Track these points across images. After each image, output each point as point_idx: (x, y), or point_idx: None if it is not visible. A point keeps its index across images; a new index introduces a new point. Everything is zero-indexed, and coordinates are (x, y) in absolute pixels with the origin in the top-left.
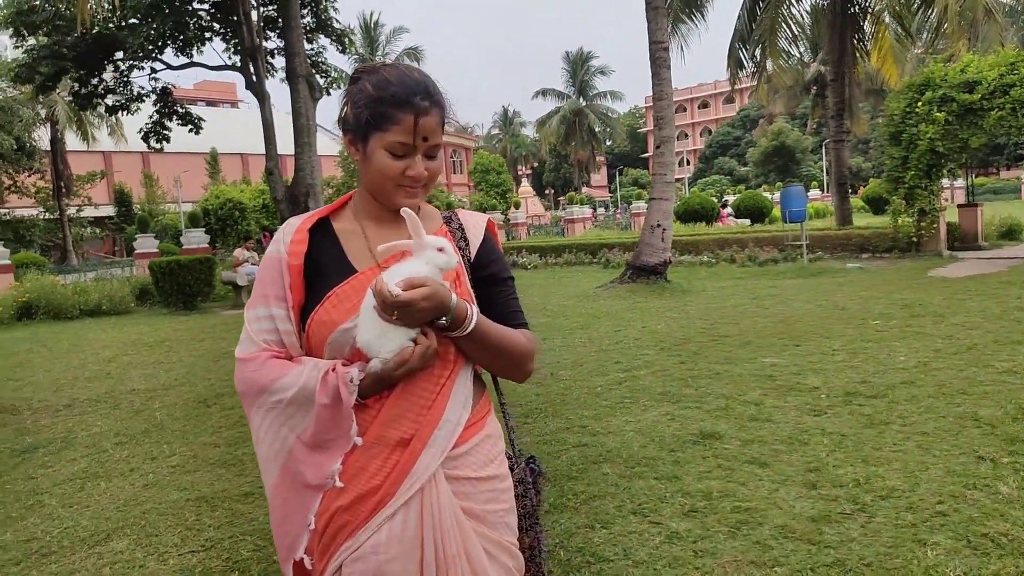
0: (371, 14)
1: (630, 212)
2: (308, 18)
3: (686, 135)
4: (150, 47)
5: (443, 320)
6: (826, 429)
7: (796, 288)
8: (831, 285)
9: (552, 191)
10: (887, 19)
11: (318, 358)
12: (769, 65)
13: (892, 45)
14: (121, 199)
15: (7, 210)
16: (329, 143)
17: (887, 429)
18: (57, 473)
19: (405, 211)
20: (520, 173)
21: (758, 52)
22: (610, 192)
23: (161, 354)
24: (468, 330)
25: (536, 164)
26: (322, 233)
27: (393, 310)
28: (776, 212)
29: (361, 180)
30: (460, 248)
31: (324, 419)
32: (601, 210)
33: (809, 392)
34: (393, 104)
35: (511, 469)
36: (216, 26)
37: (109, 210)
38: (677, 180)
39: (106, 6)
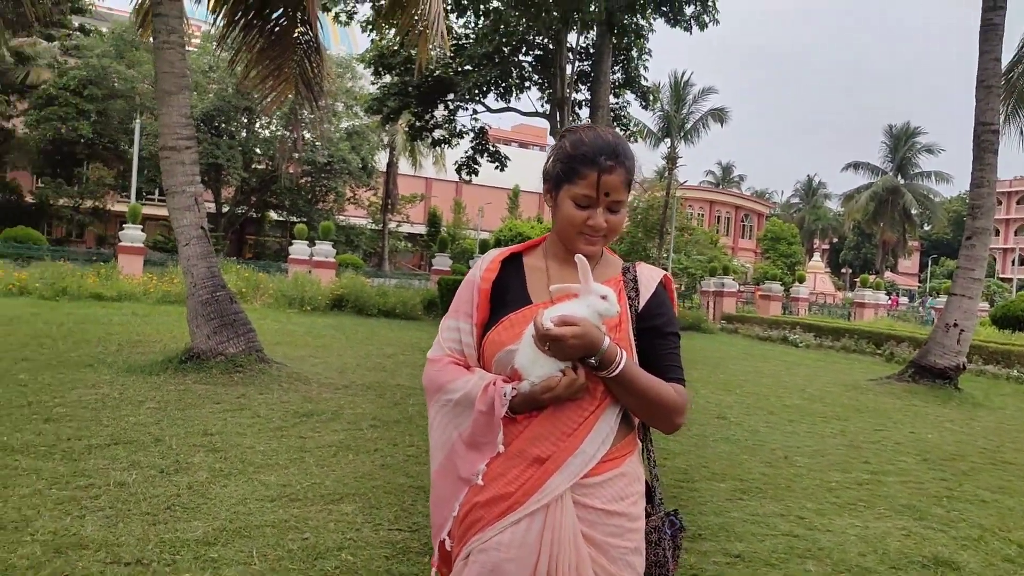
0: (682, 73)
1: (932, 307)
2: (618, 74)
3: None
4: (476, 91)
5: (592, 360)
6: None
7: None
8: None
9: (849, 271)
10: None
11: (488, 371)
12: None
13: None
14: (433, 220)
15: (344, 217)
16: None
17: None
18: (321, 438)
19: (579, 258)
20: (815, 247)
21: None
22: (919, 282)
23: None
24: (615, 372)
25: (835, 240)
26: (513, 265)
27: (545, 342)
28: None
29: (553, 225)
30: (630, 298)
31: (479, 423)
32: (904, 299)
33: None
34: (582, 161)
35: (647, 516)
36: (535, 76)
37: (422, 228)
38: (1006, 280)
39: (447, 54)
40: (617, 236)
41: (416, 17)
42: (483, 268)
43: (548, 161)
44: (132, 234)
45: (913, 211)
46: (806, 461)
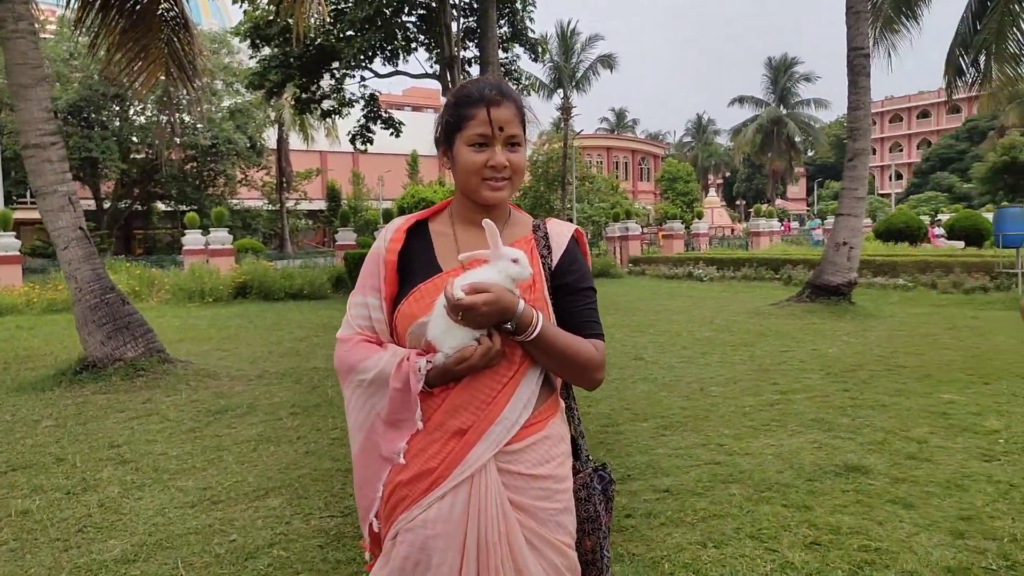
0: (568, 22)
1: (823, 227)
2: (505, 28)
3: (900, 147)
4: (362, 57)
5: (508, 325)
6: (993, 477)
7: (1001, 321)
8: None
9: (743, 202)
10: None
11: (401, 346)
12: (994, 72)
13: None
14: (332, 195)
15: (238, 201)
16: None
17: None
18: (238, 434)
19: (486, 223)
20: (710, 183)
21: (982, 58)
22: (808, 206)
23: None
24: (532, 336)
25: (728, 174)
26: (419, 233)
27: (457, 311)
28: None
29: (456, 185)
30: (542, 256)
31: (396, 401)
32: (796, 224)
33: (985, 435)
34: (467, 103)
35: (575, 473)
36: (421, 37)
37: (322, 204)
38: (885, 195)
39: (325, 20)
40: (521, 179)
41: None
42: (387, 239)
43: (437, 124)
44: (5, 242)
45: (797, 139)
46: (720, 390)
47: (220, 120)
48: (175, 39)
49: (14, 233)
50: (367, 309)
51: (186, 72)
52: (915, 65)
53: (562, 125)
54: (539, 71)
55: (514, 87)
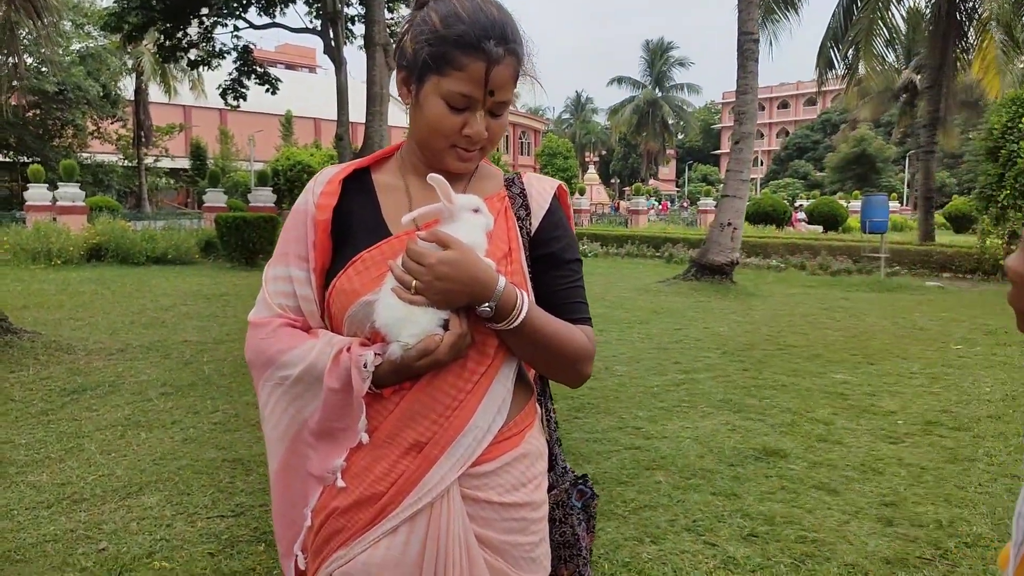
0: None
1: (697, 208)
2: None
3: (761, 135)
4: (235, 4)
5: (486, 307)
6: (904, 459)
7: (871, 302)
8: (909, 302)
9: (618, 181)
10: (994, 28)
11: (337, 332)
12: (861, 68)
13: (997, 56)
14: (197, 153)
15: (88, 154)
16: (401, 114)
17: (972, 467)
18: (101, 418)
19: (432, 177)
20: (588, 160)
21: (851, 53)
22: (677, 186)
23: (218, 308)
24: (516, 322)
25: (604, 152)
26: (358, 186)
27: (411, 282)
28: (851, 222)
29: (411, 128)
30: (519, 218)
31: (332, 405)
32: (669, 203)
33: (884, 416)
34: (460, 45)
35: (550, 490)
36: None
37: (185, 163)
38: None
39: None
40: (495, 146)
41: None
42: (317, 193)
43: (405, 38)
44: None
45: (670, 121)
46: (625, 369)
47: (69, 65)
48: None
49: None
50: (291, 284)
51: (35, 5)
52: (783, 57)
53: None
54: None
55: (392, 44)
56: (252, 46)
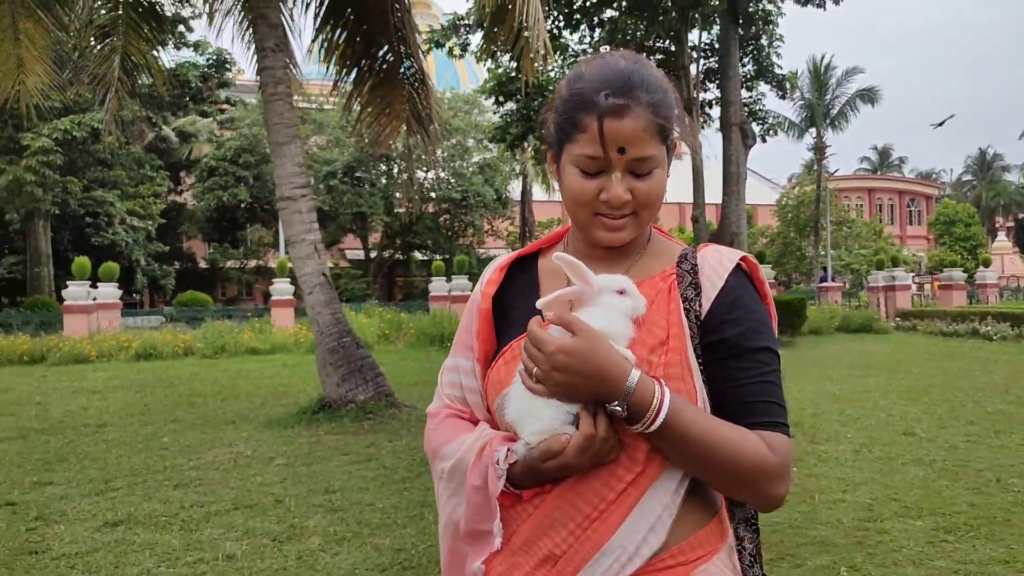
0: (822, 57)
1: None
2: (749, 66)
3: None
4: None
5: (616, 406)
6: None
7: None
8: None
9: None
10: None
11: (496, 425)
12: None
13: None
14: None
15: (484, 250)
16: (767, 192)
17: None
18: None
19: (559, 256)
20: (997, 226)
21: None
22: None
23: None
24: (652, 424)
25: (1021, 216)
26: (524, 272)
27: (530, 371)
28: None
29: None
30: (685, 299)
31: (475, 504)
32: None
33: None
34: (578, 105)
35: None
36: None
37: None
38: None
39: (563, 68)
40: (654, 212)
41: (516, 25)
42: (483, 281)
43: (543, 116)
44: (281, 287)
45: None
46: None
47: (470, 175)
48: (415, 94)
49: (288, 279)
50: (458, 374)
51: (424, 126)
52: None
53: (815, 166)
54: (788, 109)
55: (757, 129)
56: None
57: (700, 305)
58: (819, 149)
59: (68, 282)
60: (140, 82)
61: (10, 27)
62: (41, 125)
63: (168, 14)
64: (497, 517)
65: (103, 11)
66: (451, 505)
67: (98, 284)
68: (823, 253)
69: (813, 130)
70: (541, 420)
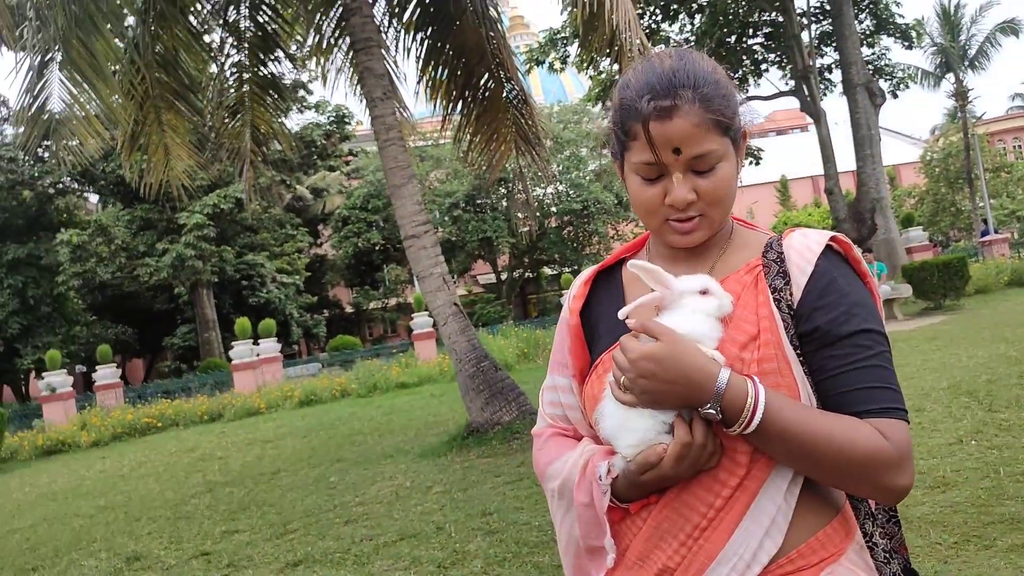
0: None
1: None
2: (867, 22)
3: None
4: None
5: (709, 409)
6: None
7: None
8: None
9: None
10: None
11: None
12: None
13: None
14: None
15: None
16: (908, 148)
17: None
18: None
19: (633, 263)
20: None
21: None
22: None
23: None
24: (749, 425)
25: None
26: (608, 283)
27: (619, 381)
28: None
29: None
30: (775, 289)
31: (585, 521)
32: None
33: None
34: (627, 114)
35: None
36: (770, 56)
37: None
38: None
39: None
40: (726, 209)
41: (611, 30)
42: (570, 297)
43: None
44: (421, 321)
45: None
46: None
47: (588, 183)
48: (519, 115)
49: (427, 312)
50: (556, 392)
51: (531, 144)
52: None
53: (959, 114)
54: (918, 59)
55: (886, 85)
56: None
57: (791, 294)
58: (960, 94)
59: (233, 343)
60: (271, 149)
61: (155, 120)
62: (192, 204)
63: (287, 82)
64: (607, 533)
65: (232, 90)
66: (567, 523)
67: (259, 341)
68: (981, 204)
69: (951, 76)
70: (636, 432)
